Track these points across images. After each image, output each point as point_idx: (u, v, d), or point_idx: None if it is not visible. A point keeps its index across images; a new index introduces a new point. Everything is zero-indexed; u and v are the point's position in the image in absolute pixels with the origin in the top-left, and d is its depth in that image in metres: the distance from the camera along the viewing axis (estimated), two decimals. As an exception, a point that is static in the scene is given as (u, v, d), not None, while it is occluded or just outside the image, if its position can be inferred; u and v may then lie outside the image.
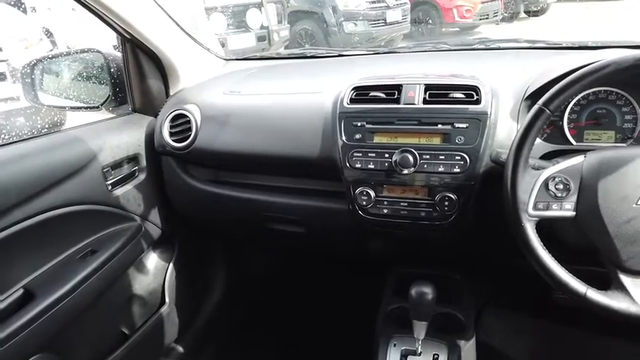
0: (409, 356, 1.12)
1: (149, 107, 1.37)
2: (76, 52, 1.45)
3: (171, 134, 1.27)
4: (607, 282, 0.78)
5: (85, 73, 1.42)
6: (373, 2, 6.94)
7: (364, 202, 1.06)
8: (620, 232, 0.76)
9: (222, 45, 5.71)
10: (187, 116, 1.26)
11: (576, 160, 0.82)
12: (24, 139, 1.08)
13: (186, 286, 1.47)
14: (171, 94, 1.39)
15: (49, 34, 5.40)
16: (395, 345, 1.15)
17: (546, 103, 0.79)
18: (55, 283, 1.02)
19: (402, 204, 1.04)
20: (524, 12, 9.84)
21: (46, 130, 1.28)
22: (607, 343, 1.48)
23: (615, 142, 1.02)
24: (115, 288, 1.22)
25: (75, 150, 1.13)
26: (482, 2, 8.17)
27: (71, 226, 1.10)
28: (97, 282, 1.10)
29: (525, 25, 9.23)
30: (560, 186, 0.80)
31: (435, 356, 1.12)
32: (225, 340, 1.67)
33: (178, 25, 1.35)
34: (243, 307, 1.76)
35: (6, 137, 1.37)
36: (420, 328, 1.07)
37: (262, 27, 6.27)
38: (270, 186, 1.27)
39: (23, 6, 5.63)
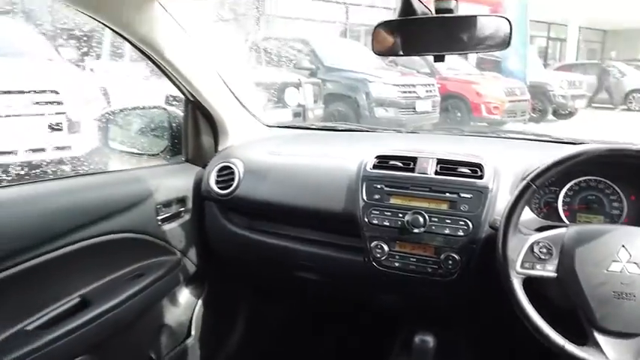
0: None
1: (199, 159, 1.59)
2: (145, 108, 1.71)
3: (217, 182, 1.47)
4: (584, 336, 0.90)
5: (149, 125, 1.67)
6: (405, 92, 7.35)
7: (378, 255, 1.21)
8: (594, 294, 0.88)
9: (261, 117, 6.11)
10: (232, 168, 1.47)
11: (559, 230, 0.97)
12: (96, 172, 1.29)
13: (211, 323, 1.59)
14: (219, 149, 1.61)
15: (105, 93, 5.93)
16: None
17: (533, 179, 0.96)
18: (106, 296, 1.18)
19: (411, 259, 1.18)
20: (552, 114, 10.19)
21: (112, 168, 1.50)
22: None
23: None
24: (150, 313, 1.37)
25: (136, 187, 1.34)
26: (510, 101, 8.53)
27: (125, 250, 1.28)
28: (138, 303, 1.25)
29: (552, 128, 9.49)
30: (544, 250, 0.95)
31: None
32: None
33: (234, 94, 1.60)
34: (262, 347, 1.84)
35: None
36: None
37: (299, 105, 6.70)
38: (296, 236, 1.43)
39: (84, 66, 6.33)
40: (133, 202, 1.30)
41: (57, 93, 4.44)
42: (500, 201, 1.15)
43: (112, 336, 1.20)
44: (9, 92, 4.18)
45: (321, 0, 10.86)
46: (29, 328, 1.03)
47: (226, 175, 1.47)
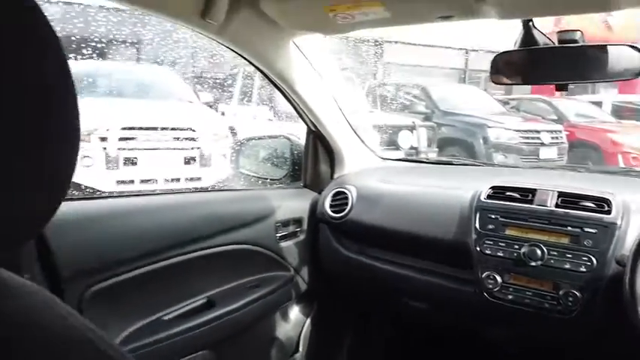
0: None
1: (316, 185, 1.70)
2: (270, 137, 1.89)
3: (331, 206, 1.56)
4: None
5: (274, 153, 1.83)
6: (527, 138, 6.95)
7: (490, 286, 1.18)
8: None
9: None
10: (346, 193, 1.54)
11: None
12: (230, 189, 1.45)
13: (318, 341, 1.65)
14: (335, 177, 1.71)
15: (233, 132, 6.56)
16: None
17: None
18: (228, 300, 1.30)
19: (527, 293, 1.14)
20: None
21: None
22: None
23: None
24: (262, 324, 1.46)
25: (260, 205, 1.48)
26: (652, 151, 7.66)
27: (245, 260, 1.40)
28: (254, 312, 1.36)
29: None
30: None
31: None
32: None
33: (352, 127, 1.70)
34: None
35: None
36: None
37: (412, 148, 6.71)
38: (405, 264, 1.45)
39: (216, 109, 7.16)
40: (257, 218, 1.43)
41: (193, 131, 5.06)
42: (630, 237, 1.07)
43: (228, 338, 1.31)
44: (154, 129, 4.83)
45: (441, 47, 10.93)
46: (165, 318, 1.17)
47: (340, 199, 1.55)
